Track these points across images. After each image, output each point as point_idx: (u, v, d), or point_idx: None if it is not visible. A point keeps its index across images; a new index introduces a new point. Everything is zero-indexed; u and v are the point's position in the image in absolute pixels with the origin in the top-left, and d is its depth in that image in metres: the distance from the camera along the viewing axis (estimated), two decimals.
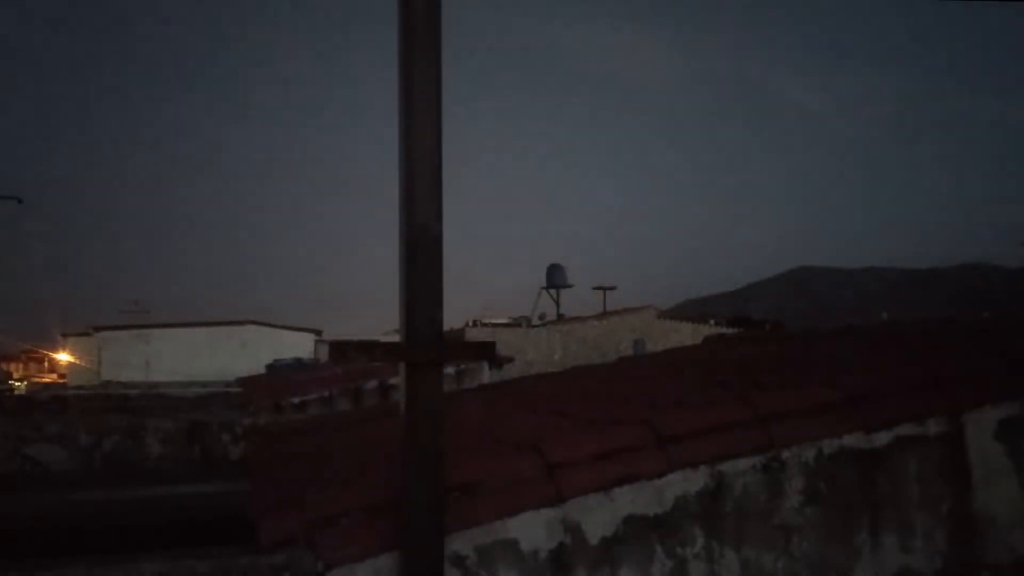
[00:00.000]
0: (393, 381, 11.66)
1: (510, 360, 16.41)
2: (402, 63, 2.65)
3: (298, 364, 21.23)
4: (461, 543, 2.73)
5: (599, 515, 2.85)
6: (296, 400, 11.65)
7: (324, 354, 24.30)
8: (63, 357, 36.56)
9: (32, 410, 10.41)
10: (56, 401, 11.74)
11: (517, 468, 2.88)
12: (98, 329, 34.12)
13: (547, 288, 34.15)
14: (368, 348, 2.60)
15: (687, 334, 26.21)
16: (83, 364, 33.19)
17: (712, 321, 35.14)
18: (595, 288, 34.14)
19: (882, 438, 3.12)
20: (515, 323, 31.21)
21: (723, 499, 2.96)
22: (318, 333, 34.47)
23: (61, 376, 36.05)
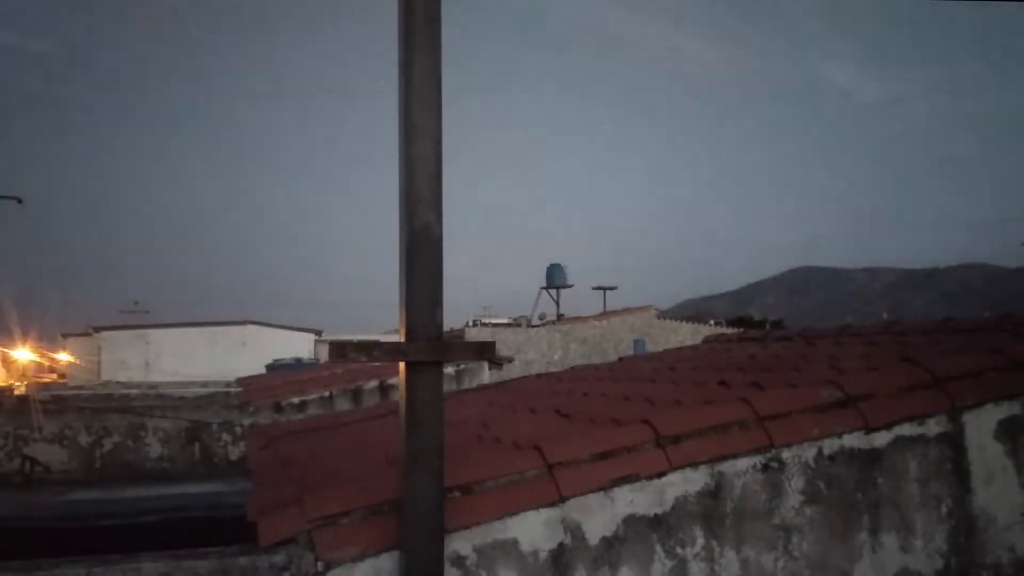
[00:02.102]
0: (393, 381, 11.67)
1: (510, 360, 16.40)
2: (402, 65, 2.66)
3: (298, 364, 21.22)
4: (461, 543, 2.73)
5: (599, 515, 2.85)
6: (296, 400, 11.65)
7: (324, 354, 24.31)
8: (63, 357, 36.55)
9: (32, 410, 10.41)
10: (56, 401, 11.73)
11: (517, 468, 2.88)
12: (98, 329, 34.13)
13: (547, 288, 34.15)
14: (368, 348, 2.60)
15: (687, 334, 26.22)
16: (83, 364, 33.18)
17: (712, 321, 35.16)
18: (595, 288, 34.16)
19: (882, 438, 3.12)
20: (515, 323, 31.24)
21: (723, 499, 2.96)
22: (318, 333, 34.48)
23: (61, 376, 36.02)
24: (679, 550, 2.90)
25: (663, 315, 29.49)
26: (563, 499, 2.82)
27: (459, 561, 2.72)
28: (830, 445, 3.07)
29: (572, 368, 7.90)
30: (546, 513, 2.81)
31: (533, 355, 24.93)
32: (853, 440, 3.10)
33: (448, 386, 8.72)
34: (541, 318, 31.81)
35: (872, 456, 3.11)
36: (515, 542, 2.77)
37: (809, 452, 3.05)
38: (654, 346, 23.00)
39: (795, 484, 3.02)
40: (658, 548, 2.88)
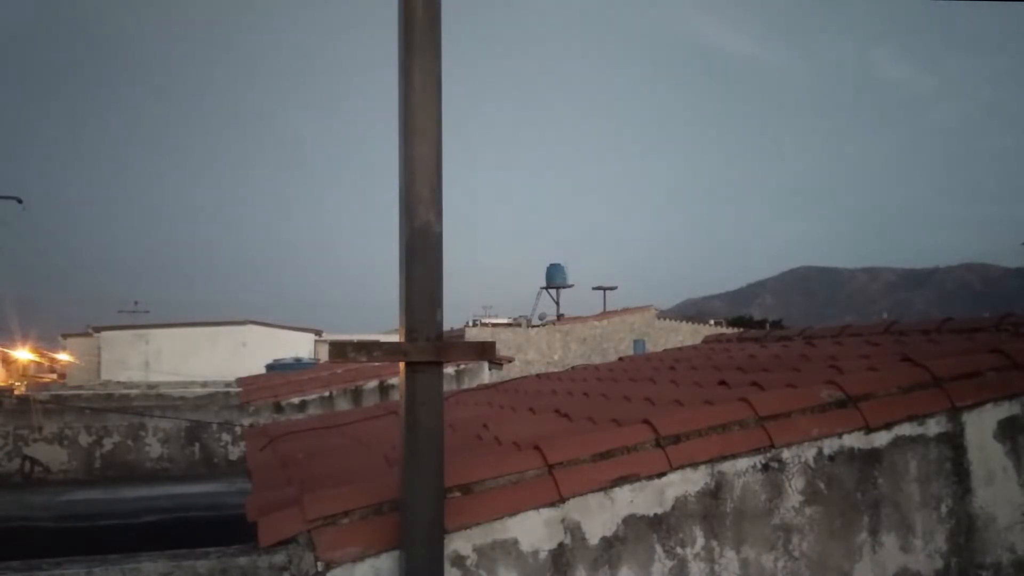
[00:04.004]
0: (393, 381, 11.68)
1: (510, 360, 16.41)
2: (402, 65, 2.66)
3: (298, 364, 21.24)
4: (461, 543, 2.73)
5: (599, 515, 2.85)
6: (296, 400, 11.67)
7: (324, 354, 24.32)
8: (63, 357, 36.54)
9: (32, 410, 10.41)
10: (56, 401, 11.73)
11: (517, 468, 2.88)
12: (98, 329, 34.13)
13: (547, 288, 34.19)
14: (368, 348, 2.60)
15: (687, 334, 26.25)
16: (83, 364, 33.18)
17: (712, 321, 35.20)
18: (595, 288, 34.20)
19: (882, 438, 3.12)
20: (515, 323, 31.25)
21: (723, 499, 2.96)
22: (318, 333, 34.51)
23: (61, 376, 36.01)
24: (679, 550, 2.90)
25: (663, 315, 29.51)
26: (563, 499, 2.82)
27: (459, 561, 2.72)
28: (830, 445, 3.07)
29: (572, 368, 7.90)
30: (546, 513, 2.81)
31: (533, 355, 24.94)
32: (853, 440, 3.10)
33: (448, 386, 8.73)
34: (541, 318, 31.84)
35: (872, 456, 3.11)
36: (515, 542, 2.77)
37: (809, 452, 3.05)
38: (654, 346, 23.03)
39: (795, 484, 3.02)
40: (658, 548, 2.88)
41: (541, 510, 2.81)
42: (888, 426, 3.13)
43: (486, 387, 7.63)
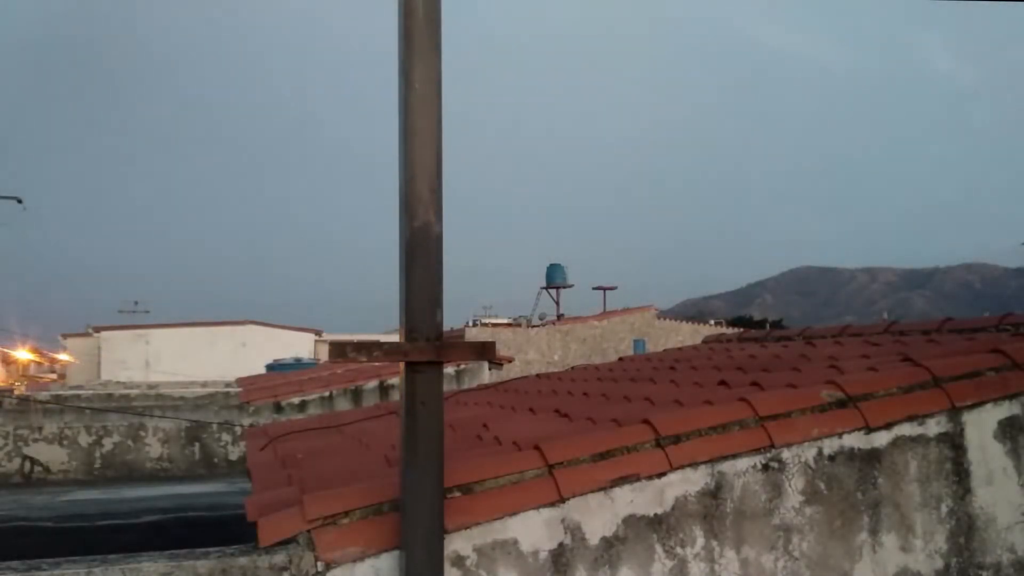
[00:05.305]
0: (393, 381, 11.68)
1: (510, 360, 16.42)
2: (402, 65, 2.66)
3: (298, 364, 21.26)
4: (461, 543, 2.73)
5: (599, 515, 2.85)
6: (296, 400, 11.68)
7: (324, 354, 24.34)
8: (63, 357, 36.57)
9: (32, 410, 10.40)
10: (56, 401, 11.74)
11: (517, 468, 2.88)
12: (98, 329, 34.15)
13: (547, 288, 34.24)
14: (368, 348, 2.60)
15: (687, 334, 26.26)
16: (83, 364, 33.20)
17: (712, 321, 35.24)
18: (595, 288, 34.22)
19: (882, 438, 3.12)
20: (515, 323, 31.27)
21: (723, 499, 2.96)
22: (318, 333, 34.54)
23: (61, 376, 36.04)
24: (679, 550, 2.90)
25: (663, 315, 29.53)
26: (563, 499, 2.82)
27: (459, 561, 2.72)
28: (830, 445, 3.07)
29: (572, 368, 7.90)
30: (546, 513, 2.81)
31: (533, 355, 24.94)
32: (853, 440, 3.10)
33: (448, 386, 8.73)
34: (541, 318, 31.87)
35: (872, 456, 3.11)
36: (515, 542, 2.77)
37: (809, 452, 3.05)
38: (654, 346, 23.04)
39: (795, 484, 3.02)
40: (658, 548, 2.88)
41: (541, 510, 2.81)
42: (888, 426, 3.13)
43: (486, 387, 7.63)
